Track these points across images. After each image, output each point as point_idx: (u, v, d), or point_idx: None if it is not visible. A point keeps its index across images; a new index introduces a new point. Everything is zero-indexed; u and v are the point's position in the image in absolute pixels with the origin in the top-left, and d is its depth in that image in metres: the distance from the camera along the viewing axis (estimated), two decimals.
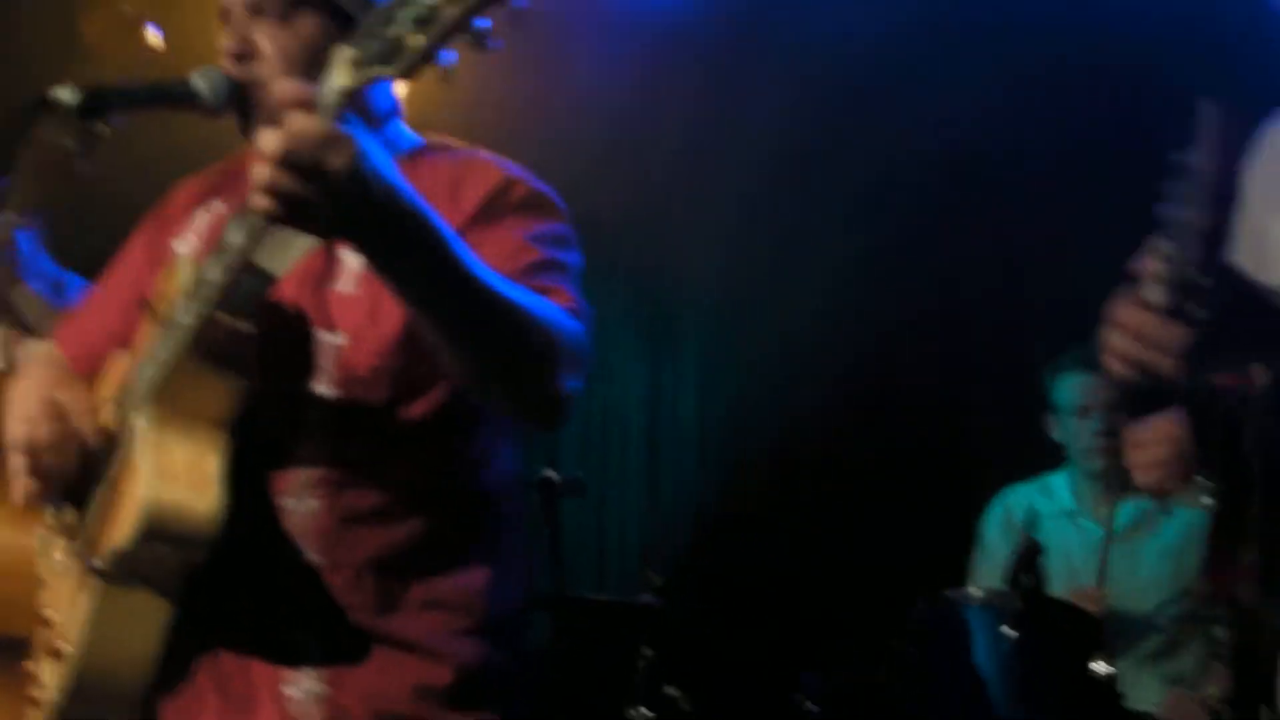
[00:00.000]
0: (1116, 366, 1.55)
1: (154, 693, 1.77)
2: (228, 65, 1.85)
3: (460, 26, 1.35)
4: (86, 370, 1.99)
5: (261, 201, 1.46)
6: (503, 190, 1.84)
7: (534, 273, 1.77)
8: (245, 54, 1.84)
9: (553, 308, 1.73)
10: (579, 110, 5.16)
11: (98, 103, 1.78)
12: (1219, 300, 1.48)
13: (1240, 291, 1.58)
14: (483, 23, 1.35)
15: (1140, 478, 2.12)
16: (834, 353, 5.51)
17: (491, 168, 1.88)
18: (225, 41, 1.86)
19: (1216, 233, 1.49)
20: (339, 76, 1.45)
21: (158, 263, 1.94)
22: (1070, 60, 4.83)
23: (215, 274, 1.63)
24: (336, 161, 1.44)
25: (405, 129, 1.98)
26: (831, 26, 4.91)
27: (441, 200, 1.79)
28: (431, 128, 2.02)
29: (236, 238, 1.59)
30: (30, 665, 1.87)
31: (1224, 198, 1.50)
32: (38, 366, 2.05)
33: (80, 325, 2.09)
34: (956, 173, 5.12)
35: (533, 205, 1.85)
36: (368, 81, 1.44)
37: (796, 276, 5.52)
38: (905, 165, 5.08)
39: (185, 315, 1.68)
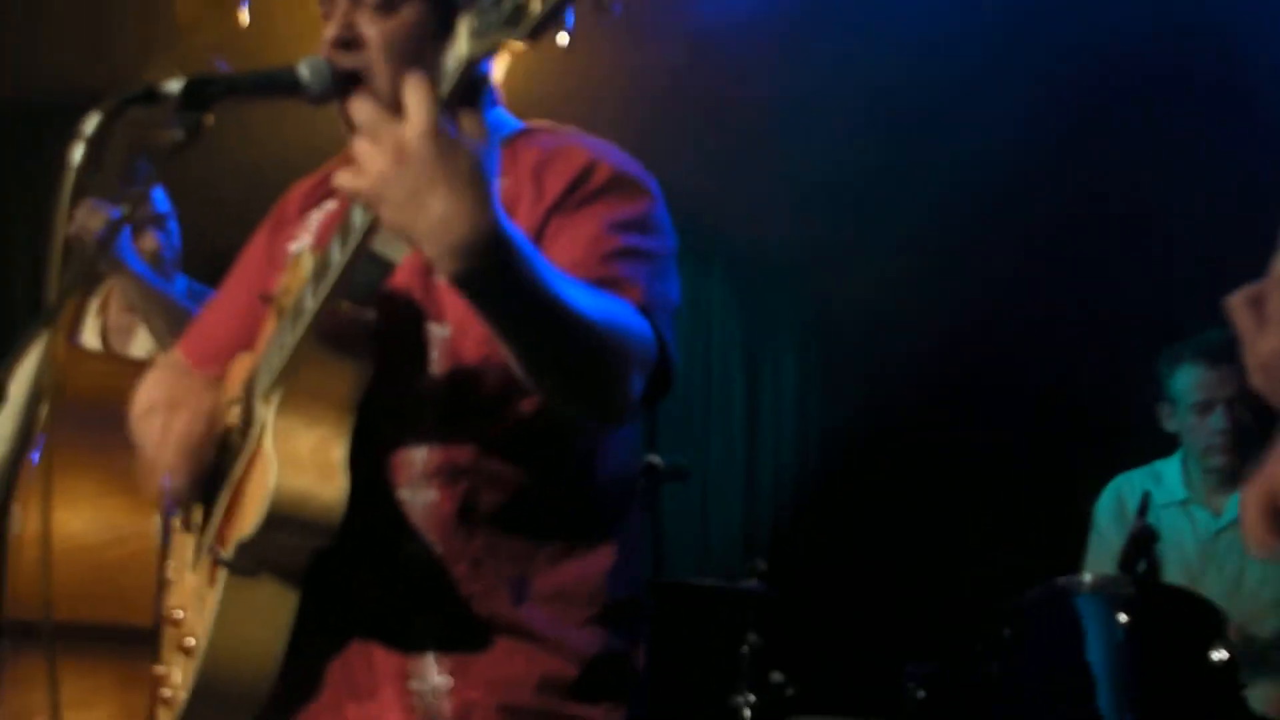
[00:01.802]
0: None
1: (285, 703, 1.78)
2: (331, 54, 1.84)
3: None
4: (211, 373, 2.00)
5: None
6: (586, 174, 1.80)
7: (609, 262, 1.74)
8: (350, 42, 1.82)
9: (621, 308, 1.70)
10: (672, 90, 5.15)
11: (203, 92, 1.76)
12: None
13: None
14: None
15: (1254, 551, 1.95)
16: (936, 335, 5.44)
17: (579, 151, 1.84)
18: (328, 30, 1.85)
19: None
20: (460, 45, 1.44)
21: (275, 265, 1.95)
22: (1168, 32, 4.73)
23: (338, 255, 1.62)
24: (461, 163, 1.45)
25: (505, 113, 1.97)
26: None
27: (526, 188, 1.80)
28: (528, 109, 2.01)
29: (360, 218, 1.58)
30: (160, 668, 1.89)
31: None
32: (160, 372, 2.07)
33: (203, 329, 2.11)
34: (1056, 144, 5.01)
35: (617, 187, 1.81)
36: (492, 48, 1.42)
37: (895, 260, 5.46)
38: (1003, 136, 4.98)
39: (310, 299, 1.67)
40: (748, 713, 3.94)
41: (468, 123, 1.49)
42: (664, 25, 4.83)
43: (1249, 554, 3.82)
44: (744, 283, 6.13)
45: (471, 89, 1.68)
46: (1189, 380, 3.94)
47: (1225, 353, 3.87)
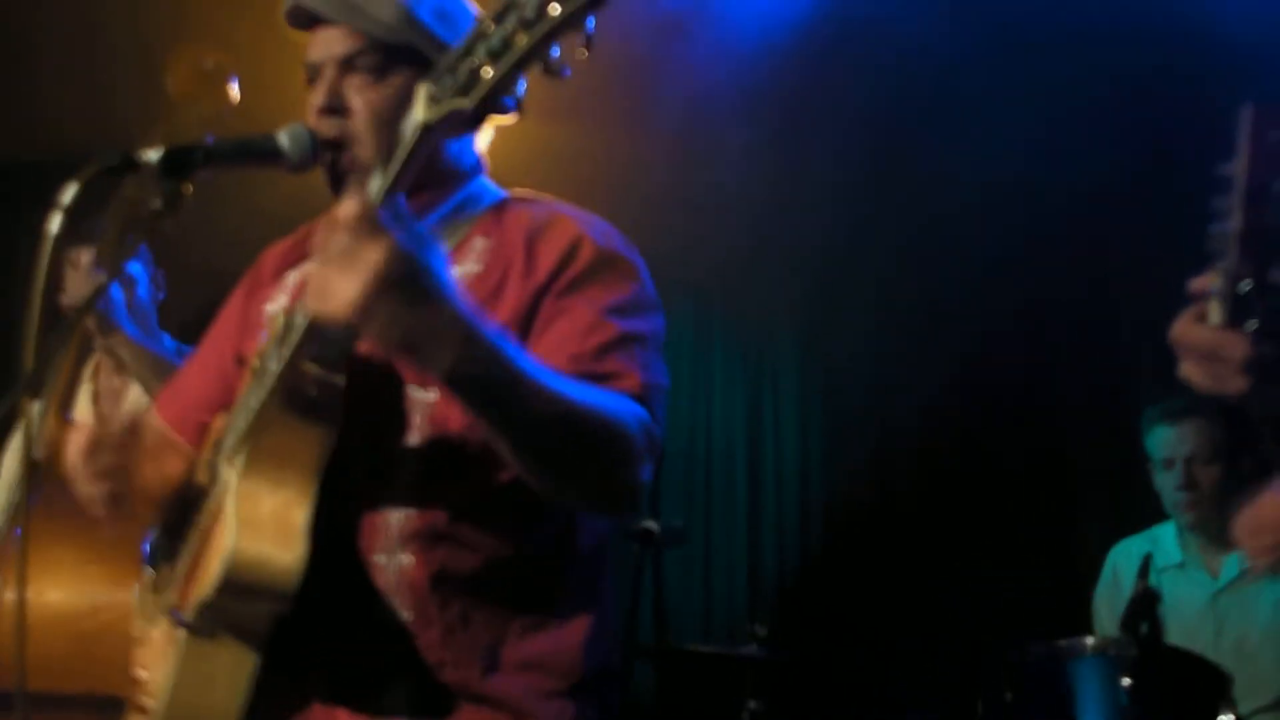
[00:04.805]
0: (1195, 387, 1.47)
1: None
2: (315, 121, 1.85)
3: (534, 55, 1.39)
4: (188, 434, 2.00)
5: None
6: (576, 250, 1.83)
7: (604, 353, 1.76)
8: (336, 109, 1.84)
9: (617, 401, 1.72)
10: (668, 167, 5.18)
11: (182, 161, 1.77)
12: (1273, 308, 1.39)
13: None
14: (554, 51, 1.40)
15: (1255, 564, 1.98)
16: (933, 393, 5.42)
17: (568, 224, 1.87)
18: (314, 98, 1.87)
19: (1263, 239, 1.40)
20: (418, 111, 1.50)
21: (251, 327, 1.96)
22: (1167, 74, 4.72)
23: (301, 319, 1.63)
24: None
25: (489, 183, 1.99)
26: (904, 49, 4.85)
27: (518, 255, 1.83)
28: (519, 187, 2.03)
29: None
30: None
31: (1265, 201, 1.41)
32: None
33: (178, 391, 2.11)
34: (1048, 205, 5.01)
35: (606, 267, 1.84)
36: (445, 115, 1.47)
37: (892, 318, 5.46)
38: (994, 196, 4.98)
39: (274, 362, 1.68)
40: None
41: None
42: (650, 97, 4.88)
43: (1246, 612, 3.80)
44: (746, 345, 6.12)
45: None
46: (1156, 440, 4.00)
47: (1184, 412, 3.90)
